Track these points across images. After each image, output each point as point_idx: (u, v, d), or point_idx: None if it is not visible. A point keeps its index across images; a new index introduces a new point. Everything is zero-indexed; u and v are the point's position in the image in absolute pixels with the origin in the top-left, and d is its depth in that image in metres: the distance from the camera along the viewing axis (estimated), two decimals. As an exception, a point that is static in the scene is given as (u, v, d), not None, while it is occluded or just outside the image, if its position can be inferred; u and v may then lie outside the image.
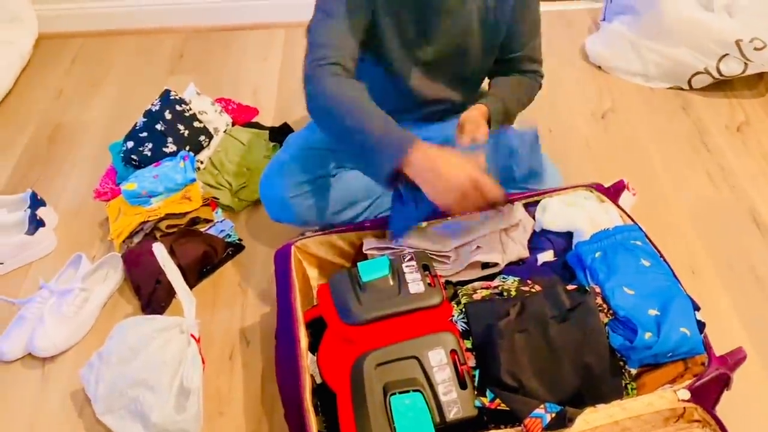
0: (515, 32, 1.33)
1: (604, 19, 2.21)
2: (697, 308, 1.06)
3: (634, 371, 1.04)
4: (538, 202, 1.30)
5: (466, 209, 1.08)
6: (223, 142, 1.75)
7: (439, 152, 1.06)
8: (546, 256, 1.24)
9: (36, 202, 1.58)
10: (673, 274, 1.11)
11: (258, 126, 1.85)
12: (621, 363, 1.02)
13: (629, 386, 1.02)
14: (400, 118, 1.36)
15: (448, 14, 1.27)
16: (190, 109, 1.72)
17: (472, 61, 1.36)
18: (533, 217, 1.28)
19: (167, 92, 1.72)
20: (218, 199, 1.63)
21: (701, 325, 1.03)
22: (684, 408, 0.96)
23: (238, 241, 1.56)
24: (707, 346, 1.02)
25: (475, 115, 1.25)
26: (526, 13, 1.31)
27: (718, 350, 1.02)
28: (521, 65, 1.39)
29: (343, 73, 1.19)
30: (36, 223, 1.53)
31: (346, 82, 1.18)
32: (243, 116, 1.91)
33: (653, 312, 1.02)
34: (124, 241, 1.50)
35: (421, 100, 1.39)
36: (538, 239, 1.27)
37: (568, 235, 1.26)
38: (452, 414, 0.95)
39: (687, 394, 0.95)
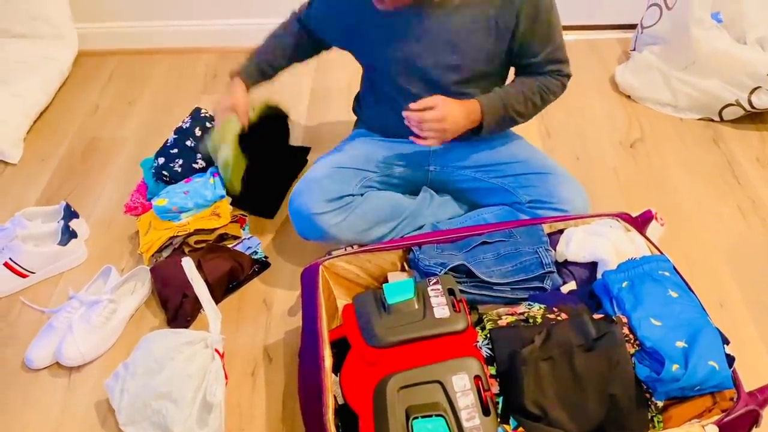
0: (527, 43, 1.35)
1: (634, 49, 2.21)
2: (726, 342, 1.04)
3: (660, 404, 1.02)
4: (561, 230, 1.29)
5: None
6: (253, 160, 1.78)
7: None
8: (568, 287, 1.24)
9: (69, 213, 1.62)
10: (702, 306, 1.10)
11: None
12: (647, 395, 1.01)
13: (655, 419, 1.01)
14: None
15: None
16: (221, 127, 1.75)
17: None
18: (554, 248, 1.27)
19: (198, 110, 1.75)
20: (246, 215, 1.65)
21: (731, 360, 1.01)
22: (712, 444, 0.94)
23: (264, 259, 1.57)
24: (736, 381, 1.00)
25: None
26: (536, 26, 1.32)
27: (748, 385, 1.00)
28: (541, 68, 1.40)
29: None
30: (69, 234, 1.57)
31: None
32: (273, 136, 1.94)
33: (681, 344, 1.01)
34: (153, 255, 1.53)
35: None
36: (560, 271, 1.26)
37: (591, 265, 1.25)
38: (474, 440, 0.94)
39: (715, 430, 0.93)
